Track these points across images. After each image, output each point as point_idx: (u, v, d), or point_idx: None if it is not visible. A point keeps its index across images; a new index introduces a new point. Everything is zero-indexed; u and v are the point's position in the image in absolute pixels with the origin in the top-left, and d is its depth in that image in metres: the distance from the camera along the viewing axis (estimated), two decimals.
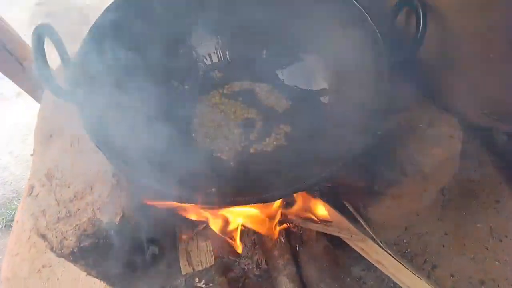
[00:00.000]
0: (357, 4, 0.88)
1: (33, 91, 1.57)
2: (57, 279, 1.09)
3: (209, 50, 1.07)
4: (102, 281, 0.98)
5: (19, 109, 2.63)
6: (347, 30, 0.92)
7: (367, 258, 0.99)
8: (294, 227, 1.01)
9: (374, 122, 0.78)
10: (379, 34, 0.84)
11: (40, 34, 0.68)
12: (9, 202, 2.33)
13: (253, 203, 0.69)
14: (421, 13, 0.77)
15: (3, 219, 2.23)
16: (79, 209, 0.77)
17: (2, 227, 2.21)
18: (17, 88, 1.69)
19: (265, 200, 0.66)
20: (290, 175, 0.81)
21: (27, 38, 1.51)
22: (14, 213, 2.21)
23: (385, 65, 0.82)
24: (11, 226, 2.20)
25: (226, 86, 1.04)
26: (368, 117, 0.82)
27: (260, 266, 1.04)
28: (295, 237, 1.05)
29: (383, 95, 0.80)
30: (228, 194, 0.67)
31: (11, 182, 2.43)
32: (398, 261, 0.98)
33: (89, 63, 0.78)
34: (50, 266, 1.10)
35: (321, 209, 1.00)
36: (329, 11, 0.93)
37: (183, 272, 0.90)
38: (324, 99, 0.97)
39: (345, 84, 0.94)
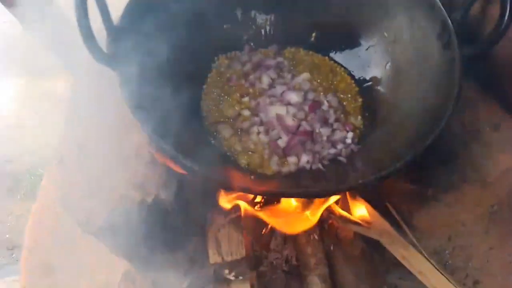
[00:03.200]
0: None
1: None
2: (79, 254, 1.05)
3: (254, 28, 0.99)
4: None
5: (49, 76, 2.64)
6: (413, 16, 0.83)
7: (408, 267, 0.92)
8: (331, 225, 0.94)
9: (435, 119, 0.69)
10: (450, 23, 0.75)
11: None
12: (34, 169, 2.35)
13: (301, 197, 0.62)
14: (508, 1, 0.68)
15: (27, 185, 2.25)
16: (111, 184, 0.72)
17: (25, 192, 2.23)
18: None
19: (316, 195, 0.59)
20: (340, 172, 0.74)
21: None
22: (39, 180, 2.23)
23: (452, 58, 0.74)
24: (34, 192, 2.23)
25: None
26: (429, 114, 0.74)
27: (289, 262, 0.98)
28: (329, 236, 0.98)
29: (446, 90, 0.72)
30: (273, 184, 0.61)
31: (38, 149, 2.45)
32: (441, 273, 0.90)
33: (133, 30, 0.72)
34: (73, 239, 1.06)
35: (362, 210, 0.92)
36: None
37: (211, 261, 0.84)
38: (381, 88, 0.89)
39: (404, 75, 0.86)
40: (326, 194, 0.72)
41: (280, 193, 0.61)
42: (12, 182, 2.28)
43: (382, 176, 0.63)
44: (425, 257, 0.92)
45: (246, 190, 0.61)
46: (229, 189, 0.69)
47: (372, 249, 0.97)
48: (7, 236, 2.14)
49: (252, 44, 0.99)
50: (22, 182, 2.28)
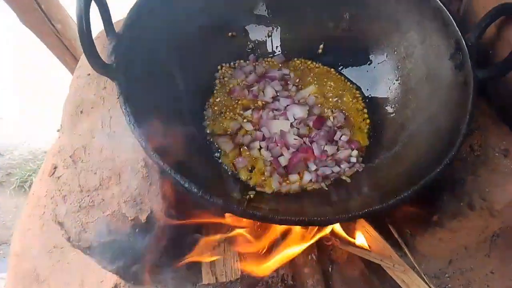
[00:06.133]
0: (443, 7, 0.76)
1: (64, 57, 1.50)
2: (67, 263, 1.01)
3: (260, 37, 0.95)
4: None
5: (45, 72, 2.59)
6: (426, 33, 0.80)
7: None
8: (329, 246, 0.91)
9: (445, 145, 0.66)
10: (464, 43, 0.72)
11: None
12: (24, 163, 2.30)
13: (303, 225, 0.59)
14: None
15: (17, 179, 2.21)
16: (103, 200, 0.68)
17: (15, 186, 2.19)
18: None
19: (319, 224, 0.56)
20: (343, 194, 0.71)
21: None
22: (28, 175, 2.18)
23: (465, 80, 0.71)
24: (24, 187, 2.18)
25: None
26: (438, 138, 0.71)
27: (285, 282, 0.95)
28: (327, 256, 0.95)
29: (457, 114, 0.69)
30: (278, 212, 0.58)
31: (29, 143, 2.40)
32: None
33: (135, 37, 0.69)
34: (62, 248, 1.02)
35: (363, 233, 0.89)
36: (409, 12, 0.81)
37: (205, 282, 0.81)
38: (389, 106, 0.86)
39: (413, 94, 0.83)
40: (326, 224, 0.69)
41: (272, 220, 0.57)
42: (2, 176, 2.23)
43: (386, 206, 0.60)
44: (425, 282, 0.89)
45: (241, 216, 0.58)
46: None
47: (371, 271, 0.94)
48: None
49: (257, 53, 0.95)
50: (12, 176, 2.23)
